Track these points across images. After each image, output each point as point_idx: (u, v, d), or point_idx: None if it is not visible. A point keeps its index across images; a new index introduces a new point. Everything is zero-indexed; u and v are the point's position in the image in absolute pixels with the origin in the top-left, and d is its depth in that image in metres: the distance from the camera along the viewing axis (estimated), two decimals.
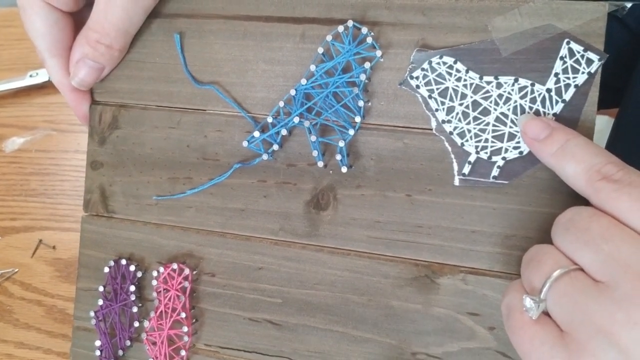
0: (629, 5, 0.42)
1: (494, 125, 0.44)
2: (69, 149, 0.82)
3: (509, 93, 0.44)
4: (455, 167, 0.45)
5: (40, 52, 0.51)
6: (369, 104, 0.47)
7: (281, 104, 0.48)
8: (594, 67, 0.42)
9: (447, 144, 0.45)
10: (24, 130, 0.84)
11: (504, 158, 0.44)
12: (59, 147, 0.82)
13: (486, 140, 0.44)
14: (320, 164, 0.48)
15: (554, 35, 0.43)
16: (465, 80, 0.45)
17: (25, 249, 0.78)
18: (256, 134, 0.49)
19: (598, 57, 0.42)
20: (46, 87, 0.86)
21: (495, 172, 0.44)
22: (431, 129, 0.46)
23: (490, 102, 0.44)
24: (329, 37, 0.47)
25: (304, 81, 0.47)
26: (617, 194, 0.36)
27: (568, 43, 0.42)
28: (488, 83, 0.44)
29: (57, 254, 0.78)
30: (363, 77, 0.46)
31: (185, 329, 0.51)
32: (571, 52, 0.42)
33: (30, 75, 0.85)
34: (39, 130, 0.83)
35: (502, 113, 0.44)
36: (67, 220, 0.79)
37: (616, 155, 0.38)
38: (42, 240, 0.78)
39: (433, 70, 0.45)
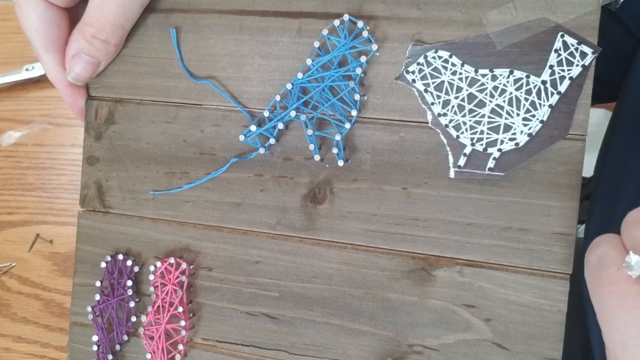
0: None
1: (489, 117, 0.44)
2: (65, 142, 0.82)
3: (504, 85, 0.44)
4: (451, 159, 0.46)
5: (35, 48, 0.51)
6: (365, 97, 0.47)
7: (277, 98, 0.48)
8: (587, 60, 0.42)
9: (442, 137, 0.46)
10: (21, 124, 0.84)
11: (499, 150, 0.44)
12: (55, 141, 0.82)
13: (482, 132, 0.44)
14: (317, 157, 0.48)
15: (548, 29, 0.43)
16: (460, 73, 0.45)
17: (22, 243, 0.78)
18: (253, 128, 0.49)
19: (592, 50, 0.42)
20: (42, 81, 0.85)
21: (490, 163, 0.44)
22: (427, 123, 0.46)
23: (486, 94, 0.44)
24: (325, 31, 0.47)
25: (300, 75, 0.47)
26: None
27: (562, 36, 0.43)
28: (483, 76, 0.44)
29: (55, 248, 0.78)
30: (359, 70, 0.46)
31: (183, 323, 0.51)
32: (565, 45, 0.43)
33: (27, 69, 0.85)
34: (36, 124, 0.83)
35: (497, 105, 0.44)
36: (64, 214, 0.79)
37: (614, 149, 0.37)
38: (39, 234, 0.78)
39: (429, 64, 0.45)
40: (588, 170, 0.46)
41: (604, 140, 0.61)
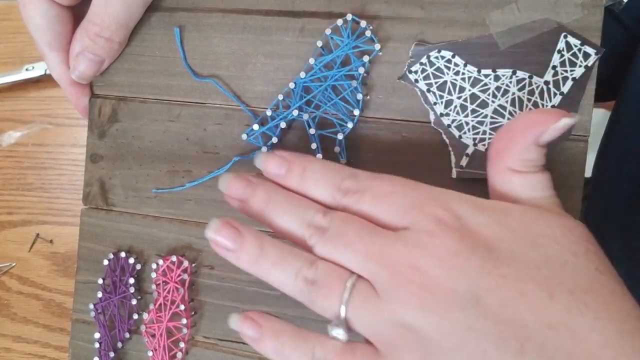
0: None
1: (492, 118, 0.44)
2: (65, 142, 0.82)
3: (507, 85, 0.44)
4: (453, 159, 0.46)
5: (39, 47, 0.51)
6: (368, 97, 0.47)
7: (280, 97, 0.49)
8: (591, 61, 0.43)
9: (445, 137, 0.46)
10: (21, 124, 0.84)
11: None
12: (55, 141, 0.82)
13: (484, 133, 0.45)
14: (319, 156, 0.48)
15: (551, 29, 0.43)
16: (463, 73, 0.45)
17: (22, 243, 0.78)
18: (255, 127, 0.49)
19: (595, 51, 0.43)
20: (42, 81, 0.85)
21: None
22: (429, 122, 0.46)
23: (488, 94, 0.44)
24: (328, 31, 0.47)
25: (303, 74, 0.48)
26: (359, 205, 0.38)
27: (565, 37, 0.43)
28: (486, 76, 0.44)
29: (55, 248, 0.78)
30: (362, 70, 0.46)
31: (184, 321, 0.51)
32: (568, 46, 0.43)
33: (27, 69, 0.85)
34: (36, 124, 0.83)
35: (500, 105, 0.44)
36: (65, 214, 0.79)
37: (612, 149, 0.38)
38: (39, 234, 0.78)
39: (431, 64, 0.46)
40: (586, 170, 0.46)
41: (602, 140, 0.62)
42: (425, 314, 0.34)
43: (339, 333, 0.36)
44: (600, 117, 1.05)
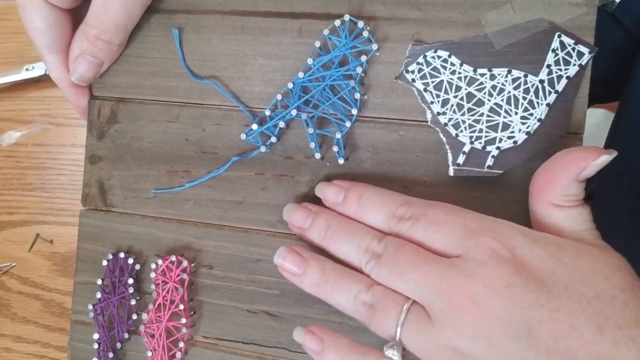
0: None
1: (488, 116, 0.45)
2: (65, 142, 0.82)
3: (502, 84, 0.44)
4: (450, 157, 0.46)
5: (39, 49, 0.51)
6: (365, 96, 0.48)
7: (279, 97, 0.49)
8: (584, 60, 0.43)
9: (442, 135, 0.46)
10: (21, 124, 0.84)
11: (498, 148, 0.44)
12: (55, 141, 0.82)
13: (480, 131, 0.45)
14: (318, 155, 0.48)
15: (546, 29, 0.44)
16: (459, 73, 0.45)
17: (22, 243, 0.79)
18: (254, 126, 0.49)
19: (588, 50, 0.43)
20: (42, 81, 0.86)
21: (489, 161, 0.45)
22: (426, 121, 0.47)
23: (484, 93, 0.45)
24: (326, 31, 0.47)
25: (301, 75, 0.48)
26: (412, 231, 0.41)
27: (559, 36, 0.43)
28: (482, 75, 0.45)
29: (55, 248, 0.78)
30: (359, 70, 0.46)
31: (184, 320, 0.51)
32: (562, 45, 0.43)
33: (27, 69, 0.85)
34: (36, 124, 0.84)
35: (496, 104, 0.44)
36: (64, 214, 0.79)
37: (616, 149, 0.39)
38: (39, 234, 0.79)
39: (428, 64, 0.46)
40: None
41: (606, 141, 0.62)
42: (477, 342, 0.36)
43: (393, 354, 0.39)
44: (601, 117, 1.05)
